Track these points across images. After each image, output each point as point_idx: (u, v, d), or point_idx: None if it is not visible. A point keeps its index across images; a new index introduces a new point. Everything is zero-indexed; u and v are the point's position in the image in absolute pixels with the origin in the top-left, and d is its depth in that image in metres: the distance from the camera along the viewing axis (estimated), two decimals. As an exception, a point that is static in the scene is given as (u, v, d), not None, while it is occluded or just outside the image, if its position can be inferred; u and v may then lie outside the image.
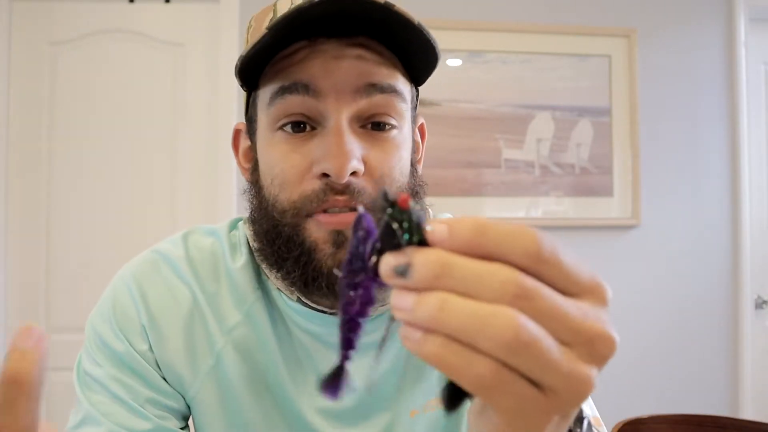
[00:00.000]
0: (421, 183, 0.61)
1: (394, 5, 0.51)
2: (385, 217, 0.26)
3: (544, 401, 0.26)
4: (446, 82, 2.09)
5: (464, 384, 0.25)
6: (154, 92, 2.05)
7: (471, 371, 0.25)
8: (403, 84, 0.57)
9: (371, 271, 0.27)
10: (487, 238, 0.25)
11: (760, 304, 2.28)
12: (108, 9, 2.03)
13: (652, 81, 2.21)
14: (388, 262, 0.26)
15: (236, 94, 2.00)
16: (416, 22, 0.53)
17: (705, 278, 2.23)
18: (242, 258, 0.63)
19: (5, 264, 1.99)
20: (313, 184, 0.53)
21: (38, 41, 2.01)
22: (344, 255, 0.53)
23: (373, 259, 0.27)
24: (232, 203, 2.00)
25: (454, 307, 0.24)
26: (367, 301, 0.27)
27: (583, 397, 0.26)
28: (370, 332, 0.62)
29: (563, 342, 0.25)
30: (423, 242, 0.26)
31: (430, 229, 0.26)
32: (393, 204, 0.26)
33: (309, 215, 0.54)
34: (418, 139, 0.67)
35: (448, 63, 2.10)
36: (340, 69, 0.54)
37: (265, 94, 0.57)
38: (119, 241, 1.99)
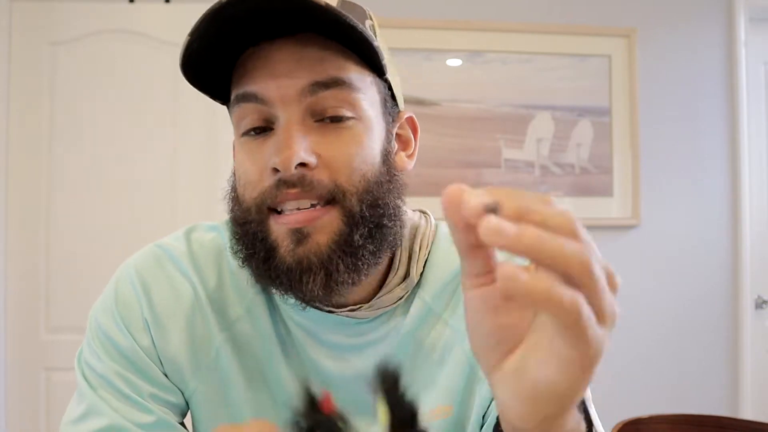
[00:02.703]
0: (395, 174, 0.60)
1: None
2: None
3: (586, 356, 0.30)
4: (446, 82, 2.09)
5: (553, 304, 0.29)
6: (154, 92, 2.05)
7: (560, 292, 0.29)
8: (356, 74, 0.57)
9: None
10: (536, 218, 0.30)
11: (760, 304, 2.28)
12: (108, 9, 2.03)
13: (652, 81, 2.20)
14: (479, 197, 0.29)
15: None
16: (323, 3, 0.51)
17: (705, 278, 2.23)
18: None
19: (5, 264, 1.98)
20: (269, 180, 0.55)
21: (38, 41, 2.01)
22: (303, 252, 0.54)
23: None
24: (232, 203, 2.00)
25: (548, 241, 0.29)
26: None
27: (600, 357, 0.31)
28: (368, 332, 0.62)
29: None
30: None
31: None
32: None
33: (270, 209, 0.56)
34: (407, 132, 0.66)
35: (448, 63, 2.10)
36: (283, 74, 0.55)
37: (231, 104, 0.60)
38: (119, 241, 1.98)
